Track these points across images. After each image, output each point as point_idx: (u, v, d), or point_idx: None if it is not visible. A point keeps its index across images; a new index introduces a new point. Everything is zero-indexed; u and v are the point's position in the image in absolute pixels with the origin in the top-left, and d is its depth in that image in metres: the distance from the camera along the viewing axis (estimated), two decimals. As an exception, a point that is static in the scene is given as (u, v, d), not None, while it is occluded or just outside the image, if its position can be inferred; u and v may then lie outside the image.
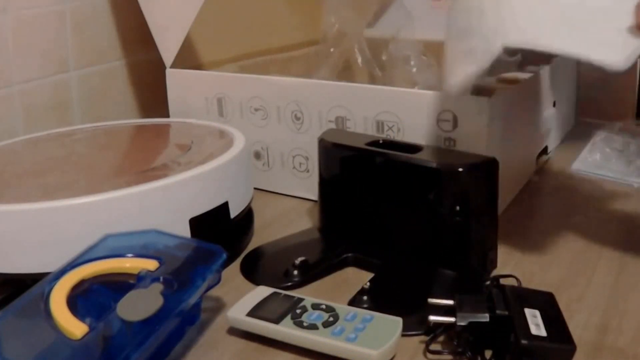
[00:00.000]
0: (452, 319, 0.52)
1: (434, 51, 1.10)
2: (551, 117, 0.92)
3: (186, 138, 0.77)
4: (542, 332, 0.49)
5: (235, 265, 0.67)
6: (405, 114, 0.73)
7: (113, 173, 0.67)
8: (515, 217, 0.76)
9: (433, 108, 0.71)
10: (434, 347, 0.53)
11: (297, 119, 0.80)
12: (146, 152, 0.75)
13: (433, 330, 0.54)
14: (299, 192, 0.83)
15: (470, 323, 0.51)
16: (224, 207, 0.66)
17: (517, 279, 0.60)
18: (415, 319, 0.54)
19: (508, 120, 0.74)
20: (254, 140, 0.84)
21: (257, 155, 0.85)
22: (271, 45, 1.07)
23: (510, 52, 0.91)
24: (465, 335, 0.52)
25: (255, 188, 0.84)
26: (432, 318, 0.53)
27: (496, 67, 0.93)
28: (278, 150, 0.83)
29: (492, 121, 0.69)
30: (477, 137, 0.69)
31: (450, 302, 0.54)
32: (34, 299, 0.50)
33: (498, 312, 0.51)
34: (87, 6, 0.93)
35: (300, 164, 0.82)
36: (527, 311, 0.51)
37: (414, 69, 1.00)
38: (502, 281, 0.59)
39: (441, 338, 0.53)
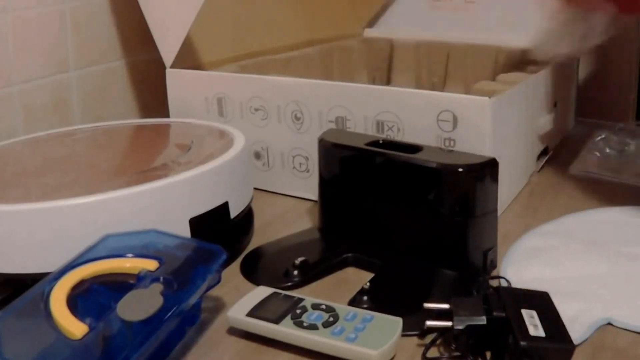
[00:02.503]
0: (448, 323, 0.52)
1: (434, 51, 1.10)
2: (551, 118, 0.92)
3: (186, 138, 0.77)
4: (541, 333, 0.49)
5: (235, 265, 0.67)
6: (406, 114, 0.73)
7: (113, 173, 0.67)
8: (515, 217, 0.76)
9: (433, 108, 0.71)
10: (432, 351, 0.52)
11: (297, 119, 0.80)
12: (146, 152, 0.75)
13: (430, 333, 0.54)
14: (299, 192, 0.83)
15: (468, 326, 0.51)
16: (224, 207, 0.66)
17: (507, 280, 0.60)
18: (415, 319, 0.54)
19: (508, 121, 0.74)
20: (254, 140, 0.84)
21: (257, 155, 0.85)
22: (271, 45, 1.07)
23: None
24: (464, 339, 0.52)
25: (255, 188, 0.84)
26: (429, 323, 0.53)
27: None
28: (278, 150, 0.83)
29: (492, 121, 0.69)
30: (477, 138, 0.69)
31: (446, 306, 0.54)
32: (34, 299, 0.50)
33: (495, 314, 0.51)
34: (87, 6, 0.93)
35: (300, 164, 0.82)
36: (524, 312, 0.51)
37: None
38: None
39: (438, 341, 0.53)
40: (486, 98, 0.68)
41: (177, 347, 0.54)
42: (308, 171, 0.82)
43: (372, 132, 0.75)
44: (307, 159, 0.81)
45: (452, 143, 0.71)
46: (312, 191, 0.81)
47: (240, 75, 0.85)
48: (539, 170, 0.90)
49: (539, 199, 0.81)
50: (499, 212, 0.75)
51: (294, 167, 0.83)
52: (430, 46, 1.11)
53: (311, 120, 0.79)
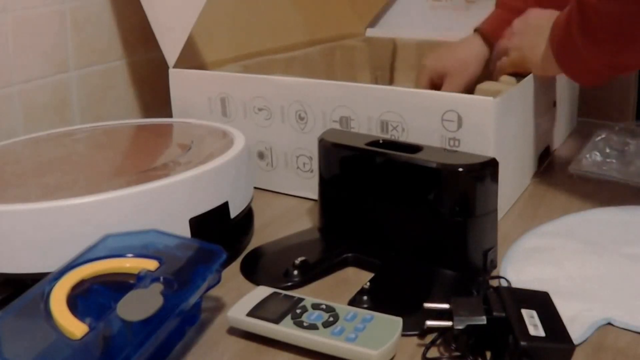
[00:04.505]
0: (448, 323, 0.52)
1: (434, 51, 1.10)
2: (553, 117, 0.92)
3: (186, 138, 0.77)
4: (541, 333, 0.49)
5: (235, 265, 0.67)
6: (410, 114, 0.73)
7: (113, 173, 0.67)
8: (516, 217, 0.76)
9: (438, 108, 0.71)
10: (432, 351, 0.52)
11: (301, 119, 0.80)
12: (146, 152, 0.75)
13: (430, 333, 0.54)
14: (303, 192, 0.83)
15: (468, 326, 0.51)
16: (224, 207, 0.66)
17: (507, 280, 0.60)
18: (415, 319, 0.54)
19: (512, 121, 0.74)
20: (258, 140, 0.84)
21: (261, 155, 0.85)
22: (273, 45, 1.07)
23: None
24: (464, 338, 0.52)
25: (258, 188, 0.84)
26: (429, 323, 0.53)
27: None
28: (282, 150, 0.83)
29: (496, 121, 0.69)
30: (482, 138, 0.69)
31: (446, 306, 0.54)
32: (34, 299, 0.50)
33: (495, 314, 0.51)
34: (87, 6, 0.93)
35: (304, 163, 0.82)
36: (524, 312, 0.51)
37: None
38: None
39: (438, 341, 0.53)
40: (490, 98, 0.68)
41: (177, 347, 0.54)
42: (312, 171, 0.81)
43: (376, 132, 0.75)
44: (310, 159, 0.81)
45: (456, 143, 0.71)
46: (315, 191, 0.81)
47: (243, 75, 0.85)
48: (540, 170, 0.90)
49: (539, 199, 0.81)
50: (504, 211, 0.75)
51: (297, 167, 0.83)
52: (432, 46, 1.11)
53: (315, 120, 0.79)
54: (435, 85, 0.97)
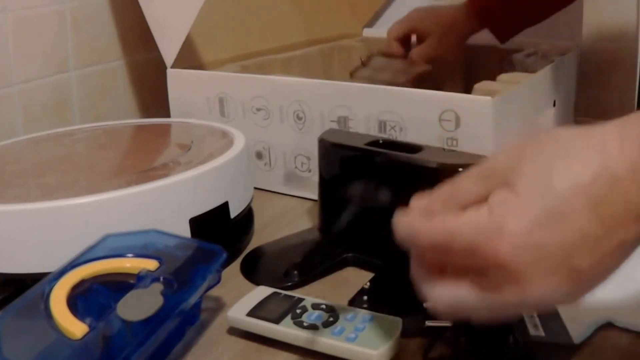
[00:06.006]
0: (448, 323, 0.52)
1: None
2: (552, 117, 0.92)
3: (186, 138, 0.77)
4: (541, 333, 0.49)
5: (235, 265, 0.67)
6: (408, 113, 0.73)
7: (113, 173, 0.67)
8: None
9: (435, 108, 0.71)
10: (432, 351, 0.52)
11: (300, 118, 0.80)
12: (146, 152, 0.75)
13: (430, 333, 0.54)
14: (301, 192, 0.83)
15: (468, 326, 0.51)
16: (224, 207, 0.66)
17: None
18: (415, 319, 0.54)
19: (510, 120, 0.74)
20: (256, 140, 0.84)
21: (259, 155, 0.85)
22: (271, 45, 1.07)
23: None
24: (464, 339, 0.52)
25: (256, 188, 0.84)
26: (429, 323, 0.53)
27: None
28: (280, 150, 0.83)
29: (494, 121, 0.69)
30: (479, 137, 0.69)
31: None
32: (34, 299, 0.50)
33: (495, 313, 0.51)
34: (87, 6, 0.93)
35: (302, 163, 0.82)
36: (525, 312, 0.51)
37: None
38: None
39: (438, 341, 0.53)
40: (489, 98, 0.68)
41: (177, 347, 0.54)
42: (310, 171, 0.81)
43: (374, 131, 0.75)
44: (309, 159, 0.81)
45: (454, 142, 0.71)
46: (314, 191, 0.81)
47: (242, 75, 0.85)
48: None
49: (539, 198, 0.81)
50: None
51: (296, 167, 0.83)
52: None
53: (313, 120, 0.79)
54: (404, 42, 0.94)
